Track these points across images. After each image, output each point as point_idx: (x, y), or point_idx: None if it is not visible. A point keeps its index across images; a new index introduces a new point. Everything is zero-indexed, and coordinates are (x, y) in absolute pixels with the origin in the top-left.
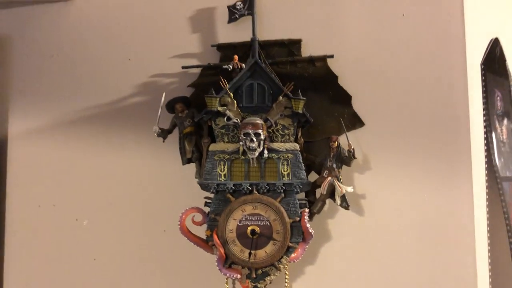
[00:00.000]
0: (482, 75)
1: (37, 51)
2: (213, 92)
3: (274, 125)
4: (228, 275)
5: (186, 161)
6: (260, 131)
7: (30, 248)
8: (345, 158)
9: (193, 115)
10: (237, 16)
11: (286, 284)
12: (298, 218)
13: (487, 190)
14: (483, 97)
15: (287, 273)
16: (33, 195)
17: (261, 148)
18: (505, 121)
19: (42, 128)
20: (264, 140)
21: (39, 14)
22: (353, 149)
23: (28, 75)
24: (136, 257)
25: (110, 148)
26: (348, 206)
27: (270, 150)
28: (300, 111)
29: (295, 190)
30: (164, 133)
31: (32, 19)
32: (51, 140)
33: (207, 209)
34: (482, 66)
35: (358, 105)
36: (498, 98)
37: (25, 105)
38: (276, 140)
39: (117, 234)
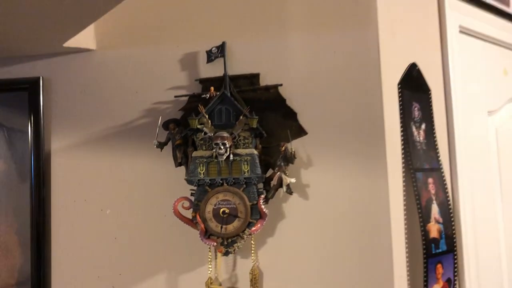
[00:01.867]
0: (399, 92)
1: (70, 88)
2: (193, 115)
3: (237, 137)
4: (207, 243)
5: (178, 164)
6: (226, 141)
7: (70, 232)
8: (289, 158)
9: (181, 131)
10: (212, 58)
11: (252, 250)
12: (255, 202)
13: (403, 179)
14: (400, 109)
15: (253, 242)
16: (70, 194)
17: (228, 153)
18: (423, 125)
19: (76, 144)
20: (230, 147)
21: (71, 61)
22: (294, 151)
23: (65, 106)
24: (145, 235)
25: (125, 157)
26: (292, 192)
27: (235, 155)
28: (255, 126)
29: (253, 182)
30: (161, 145)
31: (66, 64)
32: (83, 153)
33: (192, 198)
34: (399, 86)
35: (302, 119)
36: (416, 108)
37: (63, 128)
38: (239, 147)
39: (131, 219)
